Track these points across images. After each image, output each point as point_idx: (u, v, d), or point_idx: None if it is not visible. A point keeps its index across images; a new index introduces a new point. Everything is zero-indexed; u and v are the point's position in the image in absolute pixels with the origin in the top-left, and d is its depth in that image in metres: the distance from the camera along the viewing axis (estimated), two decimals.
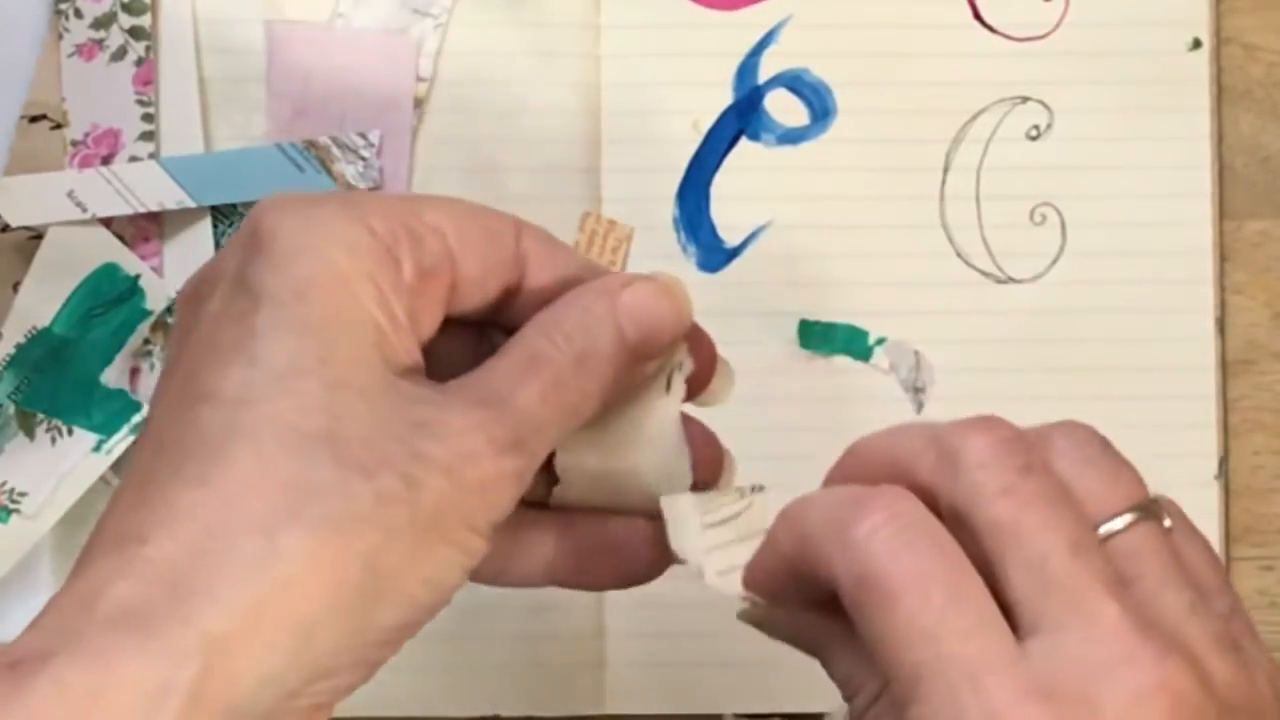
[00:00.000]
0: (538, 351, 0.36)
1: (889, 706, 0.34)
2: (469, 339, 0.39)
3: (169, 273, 0.59)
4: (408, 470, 0.33)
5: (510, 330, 0.38)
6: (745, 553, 0.37)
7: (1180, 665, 0.31)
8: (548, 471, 0.39)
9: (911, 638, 0.31)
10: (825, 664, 0.37)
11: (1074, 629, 0.31)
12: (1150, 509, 0.34)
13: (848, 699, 0.36)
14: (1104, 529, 0.33)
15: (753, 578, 0.37)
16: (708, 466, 0.40)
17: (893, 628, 0.32)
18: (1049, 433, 0.34)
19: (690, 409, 0.41)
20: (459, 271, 0.37)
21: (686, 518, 0.38)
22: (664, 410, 0.39)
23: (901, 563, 0.32)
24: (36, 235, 0.58)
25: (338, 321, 0.34)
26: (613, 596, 0.58)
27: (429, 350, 0.37)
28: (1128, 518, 0.33)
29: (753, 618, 0.38)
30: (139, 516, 0.33)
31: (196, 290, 0.36)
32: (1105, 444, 0.35)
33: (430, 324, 0.36)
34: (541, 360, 0.36)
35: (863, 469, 0.36)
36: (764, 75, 0.60)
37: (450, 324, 0.37)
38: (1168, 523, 0.34)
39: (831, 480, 0.37)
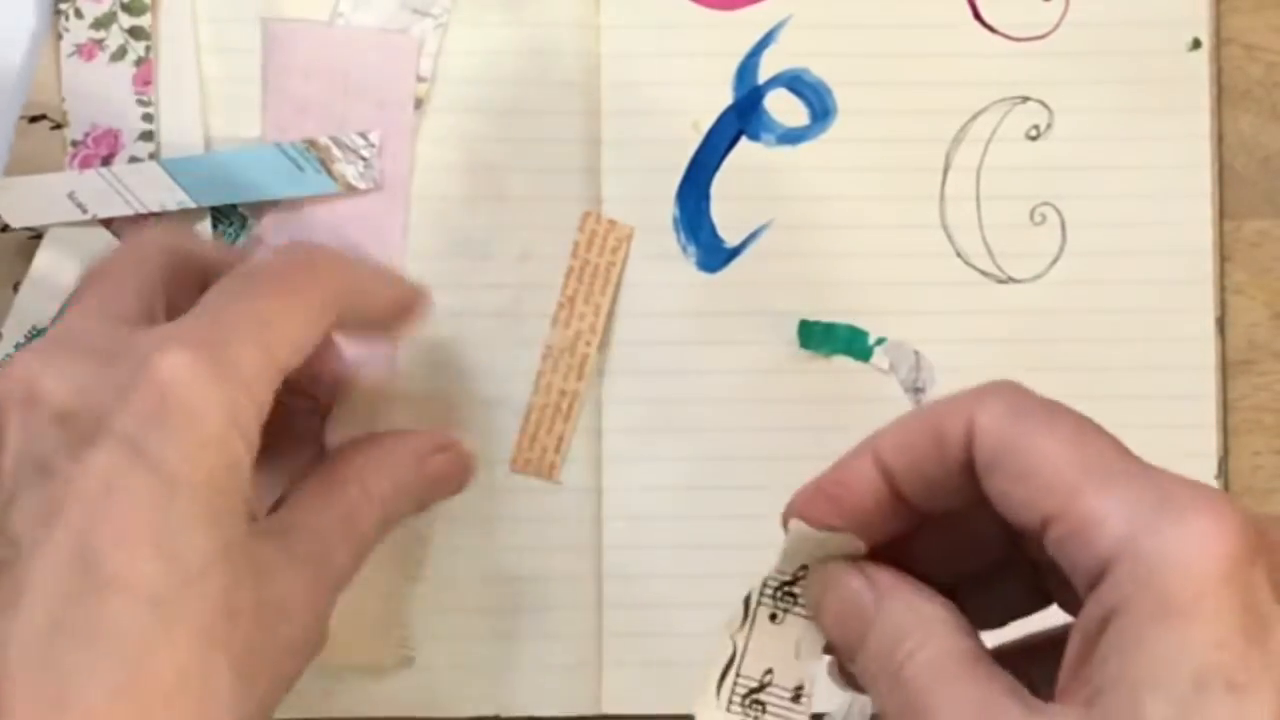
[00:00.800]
0: (353, 511, 0.42)
1: (939, 649, 0.34)
2: None
3: None
4: (278, 668, 0.36)
5: None
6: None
7: None
8: None
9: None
10: (869, 635, 0.36)
11: None
12: None
13: (884, 655, 0.35)
14: None
15: (843, 479, 0.37)
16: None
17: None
18: None
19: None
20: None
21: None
22: None
23: None
24: (36, 235, 0.58)
25: (233, 511, 0.36)
26: (612, 596, 0.58)
27: None
28: None
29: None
30: (53, 714, 0.32)
31: (62, 411, 0.36)
32: None
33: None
34: (354, 522, 0.41)
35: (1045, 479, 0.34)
36: (764, 75, 0.60)
37: None
38: None
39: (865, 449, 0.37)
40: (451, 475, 0.46)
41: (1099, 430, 0.34)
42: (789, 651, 0.37)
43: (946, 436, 0.34)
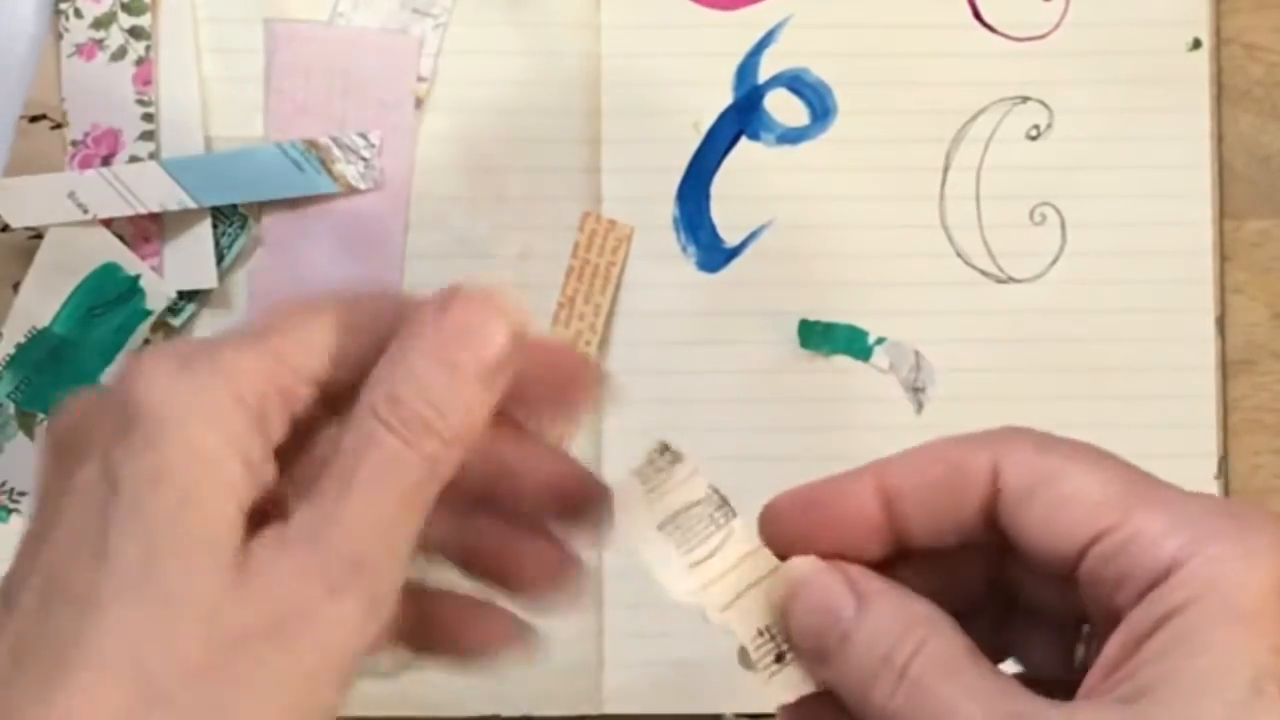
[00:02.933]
0: (366, 436, 0.34)
1: (941, 644, 0.34)
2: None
3: (169, 273, 0.59)
4: (248, 668, 0.33)
5: None
6: (739, 584, 0.37)
7: None
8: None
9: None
10: (856, 631, 0.35)
11: None
12: None
13: (875, 662, 0.34)
14: None
15: (836, 499, 0.36)
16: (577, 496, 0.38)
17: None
18: None
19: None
20: (335, 399, 0.35)
21: (668, 559, 0.38)
22: None
23: None
24: (36, 235, 0.58)
25: (191, 504, 0.33)
26: (612, 596, 0.58)
27: None
28: None
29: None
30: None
31: (65, 444, 0.35)
32: None
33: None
34: (368, 446, 0.34)
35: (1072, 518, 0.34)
36: (764, 75, 0.60)
37: None
38: None
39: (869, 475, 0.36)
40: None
41: (1121, 460, 0.34)
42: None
43: (968, 471, 0.34)
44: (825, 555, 0.36)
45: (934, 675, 0.33)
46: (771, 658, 0.36)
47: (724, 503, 0.37)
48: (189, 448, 0.33)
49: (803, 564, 0.36)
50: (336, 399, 0.35)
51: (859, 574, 0.35)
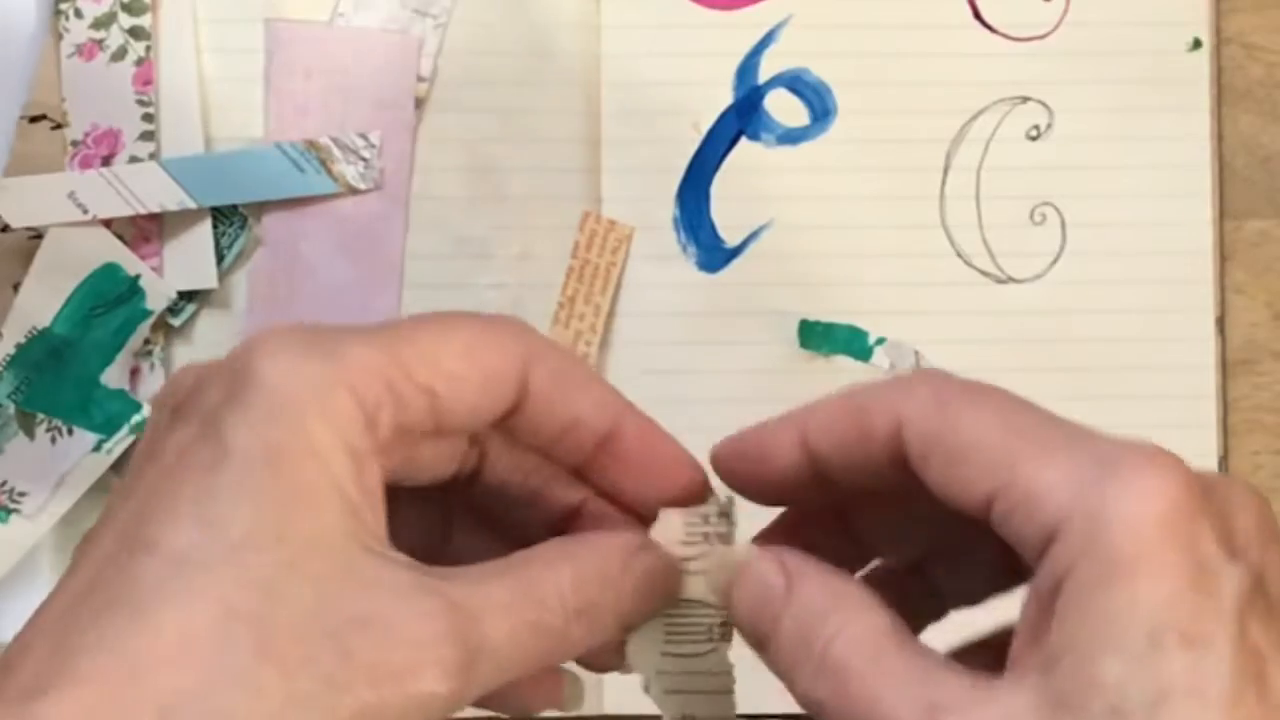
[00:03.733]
0: (538, 589, 0.34)
1: (862, 628, 0.33)
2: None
3: (169, 273, 0.59)
4: (333, 674, 0.32)
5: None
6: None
7: None
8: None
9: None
10: (785, 615, 0.35)
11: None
12: None
13: (801, 638, 0.34)
14: None
15: (762, 449, 0.36)
16: (688, 490, 0.38)
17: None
18: (1227, 494, 0.33)
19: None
20: (444, 422, 0.35)
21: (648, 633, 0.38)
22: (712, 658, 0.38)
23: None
24: (37, 235, 0.58)
25: (303, 498, 0.32)
26: None
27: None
28: None
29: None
30: (53, 664, 0.31)
31: (176, 402, 0.35)
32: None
33: (400, 461, 0.35)
34: (537, 602, 0.34)
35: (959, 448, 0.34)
36: (764, 75, 0.60)
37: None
38: None
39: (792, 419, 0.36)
40: (658, 575, 0.37)
41: (1028, 404, 0.33)
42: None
43: (873, 430, 0.34)
44: (764, 500, 0.37)
45: (854, 661, 0.32)
46: None
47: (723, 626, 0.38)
48: (304, 437, 0.33)
49: (743, 550, 0.36)
50: (443, 414, 0.35)
51: (791, 556, 0.35)
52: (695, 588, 0.37)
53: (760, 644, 0.35)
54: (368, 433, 0.33)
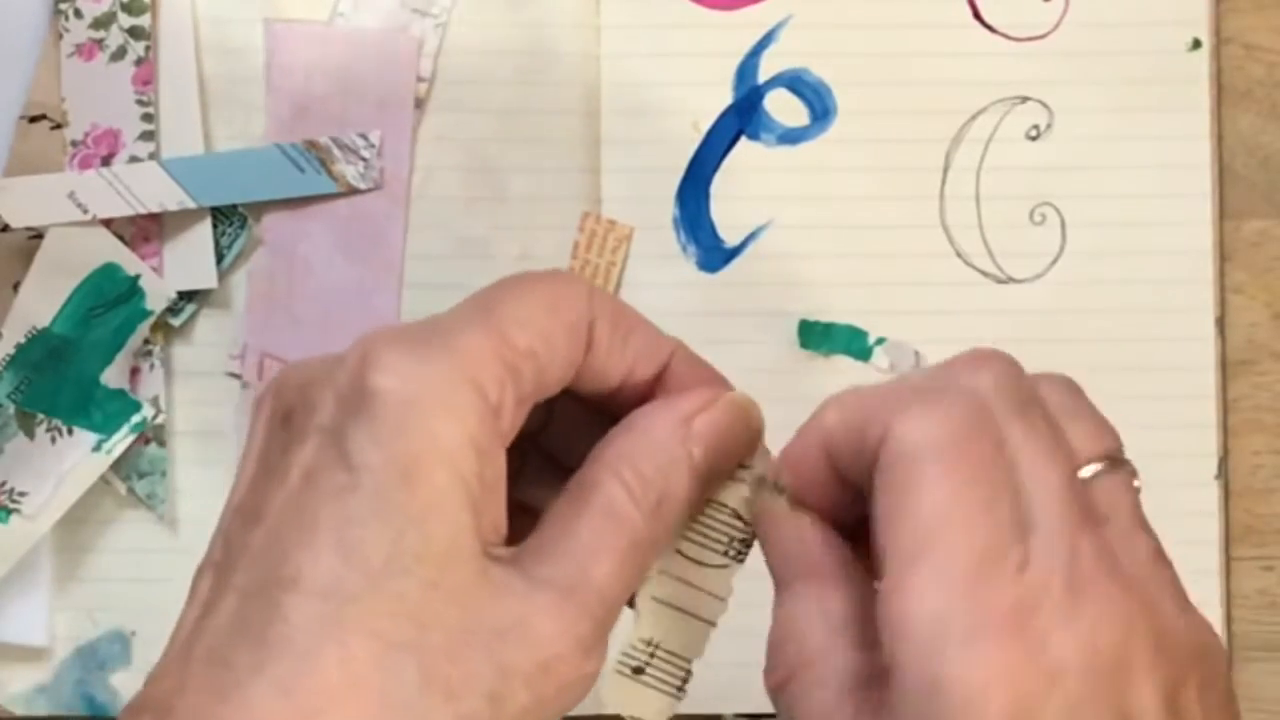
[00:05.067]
0: (614, 506, 0.35)
1: (822, 677, 0.34)
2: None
3: (169, 273, 0.59)
4: (493, 688, 0.32)
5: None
6: (677, 597, 0.37)
7: (1139, 605, 0.32)
8: None
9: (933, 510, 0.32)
10: (780, 598, 0.36)
11: (1057, 556, 0.32)
12: (1123, 461, 0.35)
13: (773, 648, 0.35)
14: (1085, 471, 0.34)
15: (794, 449, 0.36)
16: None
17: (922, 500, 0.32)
18: (1035, 379, 0.35)
19: None
20: (544, 380, 0.35)
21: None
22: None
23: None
24: (37, 235, 0.58)
25: (438, 509, 0.32)
26: None
27: None
28: (1103, 465, 0.34)
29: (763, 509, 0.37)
30: (221, 710, 0.31)
31: (287, 411, 0.34)
32: (1083, 395, 0.35)
33: (511, 437, 0.35)
34: (618, 519, 0.35)
35: (857, 412, 0.35)
36: (764, 75, 0.60)
37: None
38: (1137, 483, 0.35)
39: (813, 433, 0.36)
40: (728, 427, 0.37)
41: (982, 494, 0.33)
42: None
43: (869, 432, 0.34)
44: (804, 505, 0.37)
45: (801, 713, 0.34)
46: (631, 666, 0.37)
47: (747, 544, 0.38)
48: (433, 443, 0.33)
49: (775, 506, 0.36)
50: (544, 373, 0.35)
51: (810, 529, 0.36)
52: (734, 495, 0.37)
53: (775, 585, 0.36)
54: (494, 423, 0.34)
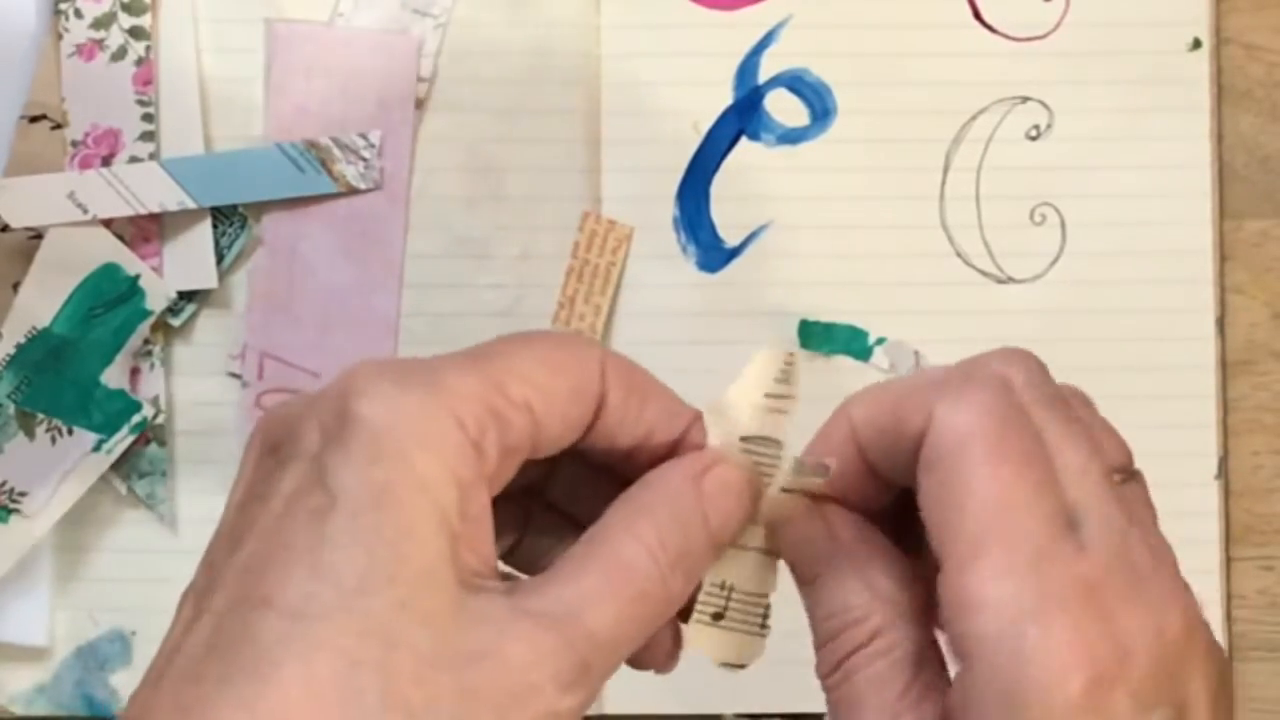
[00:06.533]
0: (626, 559, 0.35)
1: (886, 648, 0.35)
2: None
3: (169, 273, 0.59)
4: (457, 712, 0.32)
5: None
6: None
7: (1192, 601, 0.33)
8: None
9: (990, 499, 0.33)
10: (822, 587, 0.36)
11: (1111, 543, 0.33)
12: (1137, 473, 0.36)
13: (829, 636, 0.36)
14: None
15: (821, 446, 0.37)
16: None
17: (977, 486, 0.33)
18: (1060, 386, 0.36)
19: None
20: (540, 438, 0.35)
21: None
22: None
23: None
24: (36, 235, 0.58)
25: (412, 535, 0.32)
26: None
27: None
28: (1121, 475, 0.35)
29: (783, 509, 0.38)
30: None
31: (274, 442, 0.35)
32: (1096, 408, 0.37)
33: (501, 484, 0.35)
34: (630, 569, 0.34)
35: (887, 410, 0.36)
36: (764, 75, 0.60)
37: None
38: None
39: (840, 427, 0.37)
40: (735, 486, 0.37)
41: (1033, 479, 0.34)
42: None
43: (906, 424, 0.35)
44: (832, 498, 0.38)
45: (866, 690, 0.35)
46: (710, 613, 0.37)
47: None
48: (410, 472, 0.33)
49: (791, 502, 0.37)
50: (540, 429, 0.35)
51: (834, 514, 0.37)
52: (774, 425, 0.38)
53: (803, 581, 0.37)
54: (476, 459, 0.34)
